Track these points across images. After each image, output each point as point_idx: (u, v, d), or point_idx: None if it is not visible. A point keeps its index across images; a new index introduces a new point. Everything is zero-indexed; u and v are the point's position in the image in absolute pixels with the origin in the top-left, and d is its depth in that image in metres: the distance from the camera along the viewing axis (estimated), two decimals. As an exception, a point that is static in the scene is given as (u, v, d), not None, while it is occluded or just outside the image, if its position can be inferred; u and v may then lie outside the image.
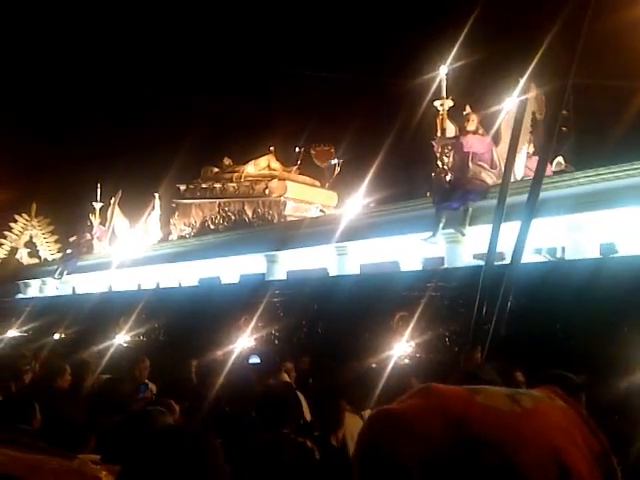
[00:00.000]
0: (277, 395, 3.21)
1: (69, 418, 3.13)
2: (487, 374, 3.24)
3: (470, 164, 9.12)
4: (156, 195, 17.48)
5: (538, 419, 0.73)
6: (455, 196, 8.87)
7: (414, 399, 0.77)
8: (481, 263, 9.46)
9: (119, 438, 2.53)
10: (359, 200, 11.67)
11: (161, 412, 2.95)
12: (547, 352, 6.60)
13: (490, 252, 6.96)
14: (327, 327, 9.58)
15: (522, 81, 9.48)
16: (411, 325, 8.40)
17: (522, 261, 9.21)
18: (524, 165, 10.14)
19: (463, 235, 8.89)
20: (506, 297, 6.13)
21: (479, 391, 0.76)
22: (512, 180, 10.05)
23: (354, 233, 10.63)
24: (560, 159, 9.14)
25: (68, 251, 18.73)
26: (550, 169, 10.35)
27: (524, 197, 9.18)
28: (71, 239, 18.83)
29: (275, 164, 15.00)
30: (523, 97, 9.64)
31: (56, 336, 13.49)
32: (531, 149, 10.45)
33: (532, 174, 10.22)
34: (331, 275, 11.13)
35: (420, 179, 11.65)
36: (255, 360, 7.16)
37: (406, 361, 8.26)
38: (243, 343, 9.91)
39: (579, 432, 0.73)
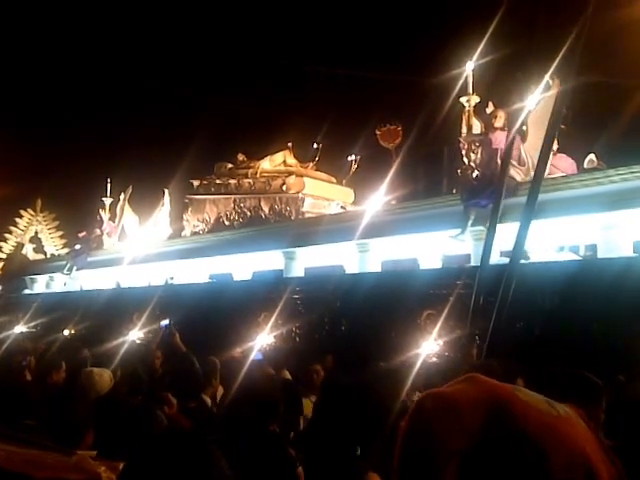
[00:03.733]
0: (259, 392, 3.18)
1: (66, 414, 3.14)
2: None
3: (499, 161, 9.02)
4: (166, 191, 17.34)
5: (571, 426, 0.76)
6: (484, 193, 8.76)
7: (461, 385, 0.80)
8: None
9: (118, 433, 2.52)
10: (380, 197, 11.55)
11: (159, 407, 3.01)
12: (580, 351, 6.55)
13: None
14: (351, 325, 9.48)
15: (547, 77, 9.39)
16: (439, 323, 8.29)
17: (545, 260, 9.22)
18: (550, 163, 10.06)
19: (493, 232, 8.78)
20: (505, 296, 5.99)
21: (520, 389, 0.79)
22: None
23: (376, 230, 10.51)
24: (592, 156, 9.04)
25: (77, 247, 18.54)
26: (573, 167, 10.28)
27: (549, 195, 9.17)
28: (80, 234, 18.64)
29: (291, 160, 14.87)
30: (555, 91, 9.55)
31: (65, 332, 13.32)
32: (555, 146, 10.35)
33: (557, 172, 10.18)
34: (355, 272, 11.02)
35: (441, 176, 11.54)
36: (258, 357, 7.11)
37: (434, 360, 8.17)
38: (262, 341, 9.78)
39: (598, 453, 0.76)
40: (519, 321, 7.71)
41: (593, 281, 7.34)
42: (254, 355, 7.76)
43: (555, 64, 8.71)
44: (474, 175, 9.42)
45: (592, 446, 0.76)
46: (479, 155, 9.45)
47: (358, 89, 16.91)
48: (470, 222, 8.93)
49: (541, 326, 7.68)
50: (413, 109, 11.84)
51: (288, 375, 5.59)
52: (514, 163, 9.19)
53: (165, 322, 7.48)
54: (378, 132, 11.67)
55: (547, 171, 10.06)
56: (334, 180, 14.85)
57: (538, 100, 9.88)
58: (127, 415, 2.83)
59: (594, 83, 9.89)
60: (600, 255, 8.49)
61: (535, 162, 9.78)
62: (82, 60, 23.44)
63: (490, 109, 10.02)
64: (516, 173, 9.11)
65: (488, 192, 8.81)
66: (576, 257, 8.57)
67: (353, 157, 14.58)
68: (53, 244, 24.39)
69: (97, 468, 1.57)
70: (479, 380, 0.80)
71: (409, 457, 0.78)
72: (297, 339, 10.29)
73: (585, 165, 9.02)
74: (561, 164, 10.28)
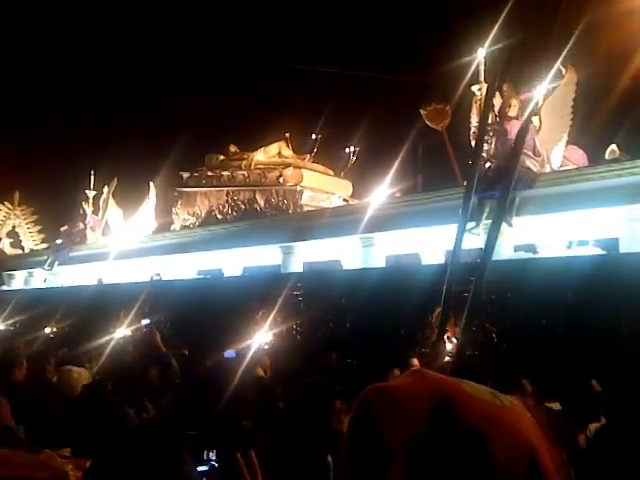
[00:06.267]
0: (233, 390, 3.27)
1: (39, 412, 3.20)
2: None
3: (512, 151, 8.66)
4: (151, 184, 16.70)
5: (515, 416, 0.77)
6: (499, 185, 8.39)
7: (406, 379, 0.81)
8: (526, 255, 9.09)
9: (91, 431, 2.56)
10: (383, 189, 11.15)
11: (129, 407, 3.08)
12: (604, 351, 6.27)
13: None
14: (357, 322, 9.09)
15: (556, 65, 9.08)
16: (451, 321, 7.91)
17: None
18: (562, 155, 9.75)
19: (510, 226, 8.44)
20: (476, 298, 5.62)
21: (465, 382, 0.81)
22: (548, 170, 9.72)
23: (382, 223, 10.11)
24: (614, 147, 8.72)
25: (59, 241, 17.85)
26: (584, 159, 9.98)
27: (563, 188, 8.85)
28: (62, 228, 17.96)
29: (287, 151, 14.38)
30: (568, 80, 9.26)
31: (47, 330, 12.74)
32: (566, 138, 10.03)
33: (568, 164, 9.87)
34: (361, 268, 10.59)
35: (445, 168, 11.17)
36: (231, 355, 6.97)
37: (447, 359, 7.82)
38: (261, 338, 9.40)
39: (543, 443, 0.78)
40: (538, 318, 7.43)
41: (616, 277, 7.05)
42: (227, 353, 7.52)
43: (565, 52, 8.43)
44: (487, 166, 9.04)
45: (537, 436, 0.77)
46: (493, 146, 9.08)
47: (358, 78, 16.43)
48: (485, 215, 8.57)
49: (563, 323, 7.39)
50: (418, 99, 11.39)
51: (262, 372, 5.64)
52: (529, 154, 8.87)
53: (146, 321, 7.44)
54: (423, 112, 10.66)
55: (559, 163, 9.78)
56: (331, 172, 14.42)
57: (550, 90, 9.58)
58: (99, 413, 2.85)
59: (619, 72, 9.60)
60: (622, 249, 8.17)
61: (548, 154, 9.51)
62: (64, 51, 22.64)
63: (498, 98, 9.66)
64: (532, 164, 8.79)
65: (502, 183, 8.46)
66: (599, 251, 8.25)
67: (352, 149, 14.15)
68: (31, 239, 23.55)
69: (64, 466, 1.57)
70: (424, 374, 0.81)
71: (354, 451, 0.78)
72: (298, 337, 9.90)
73: (607, 156, 8.70)
74: (572, 156, 9.99)
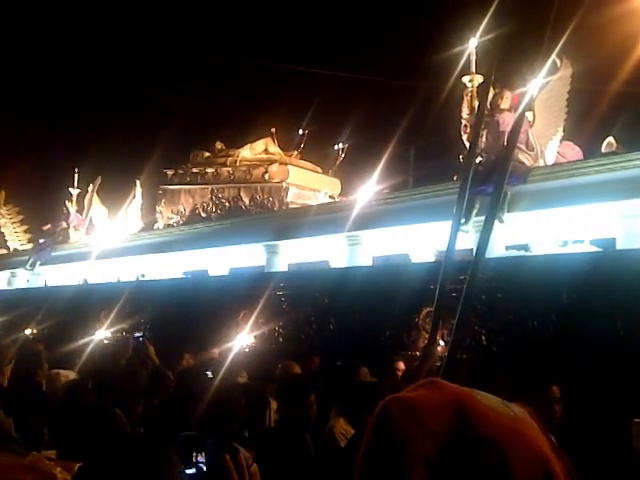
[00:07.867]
0: (222, 395, 3.31)
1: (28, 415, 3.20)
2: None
3: (506, 144, 8.25)
4: (137, 182, 16.28)
5: (528, 427, 0.78)
6: (490, 179, 7.96)
7: (423, 390, 0.80)
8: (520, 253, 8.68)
9: (77, 434, 2.54)
10: (371, 186, 10.75)
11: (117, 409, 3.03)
12: (603, 350, 5.90)
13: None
14: (340, 324, 8.68)
15: (552, 57, 8.71)
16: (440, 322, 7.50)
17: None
18: (557, 150, 9.35)
19: (501, 222, 8.01)
20: (469, 296, 5.36)
21: (478, 392, 0.80)
22: (542, 164, 9.34)
23: (368, 221, 9.70)
24: (611, 139, 8.32)
25: (41, 240, 17.44)
26: (579, 155, 9.60)
27: (556, 183, 8.47)
28: (45, 227, 17.57)
29: (274, 148, 13.96)
30: (563, 73, 8.88)
31: (27, 332, 12.33)
32: (560, 133, 9.64)
33: (563, 160, 9.47)
34: (345, 267, 10.19)
35: (437, 162, 10.76)
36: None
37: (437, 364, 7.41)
38: (242, 341, 9.01)
39: (551, 451, 0.78)
40: (532, 319, 7.05)
41: (612, 275, 6.63)
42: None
43: (560, 43, 8.04)
44: (478, 160, 8.62)
45: (547, 445, 0.77)
46: (484, 138, 8.66)
47: (346, 73, 16.02)
48: (475, 211, 8.14)
49: (556, 324, 6.99)
50: (407, 92, 11.00)
51: (245, 377, 5.52)
52: (522, 147, 8.47)
53: (138, 334, 7.62)
54: (506, 94, 10.02)
55: (554, 159, 9.38)
56: (319, 170, 14.01)
57: (544, 83, 9.19)
58: (85, 415, 2.81)
59: (614, 64, 9.24)
60: (619, 246, 7.78)
61: (542, 148, 9.11)
62: (47, 49, 22.25)
63: (493, 91, 9.27)
64: (525, 159, 8.38)
65: (495, 178, 8.04)
66: (594, 249, 7.84)
67: (340, 146, 13.76)
68: (17, 239, 23.13)
69: (52, 468, 1.57)
70: (441, 384, 0.80)
71: (374, 462, 0.77)
72: (280, 339, 9.48)
73: (603, 149, 8.31)
74: (567, 152, 9.60)
